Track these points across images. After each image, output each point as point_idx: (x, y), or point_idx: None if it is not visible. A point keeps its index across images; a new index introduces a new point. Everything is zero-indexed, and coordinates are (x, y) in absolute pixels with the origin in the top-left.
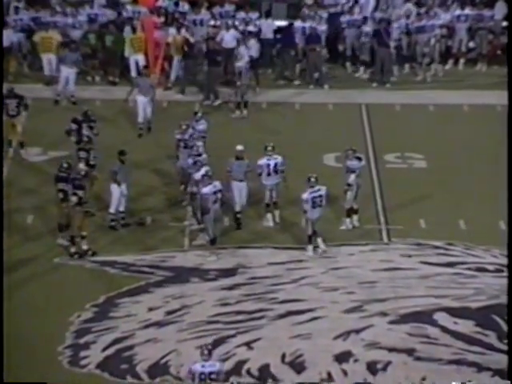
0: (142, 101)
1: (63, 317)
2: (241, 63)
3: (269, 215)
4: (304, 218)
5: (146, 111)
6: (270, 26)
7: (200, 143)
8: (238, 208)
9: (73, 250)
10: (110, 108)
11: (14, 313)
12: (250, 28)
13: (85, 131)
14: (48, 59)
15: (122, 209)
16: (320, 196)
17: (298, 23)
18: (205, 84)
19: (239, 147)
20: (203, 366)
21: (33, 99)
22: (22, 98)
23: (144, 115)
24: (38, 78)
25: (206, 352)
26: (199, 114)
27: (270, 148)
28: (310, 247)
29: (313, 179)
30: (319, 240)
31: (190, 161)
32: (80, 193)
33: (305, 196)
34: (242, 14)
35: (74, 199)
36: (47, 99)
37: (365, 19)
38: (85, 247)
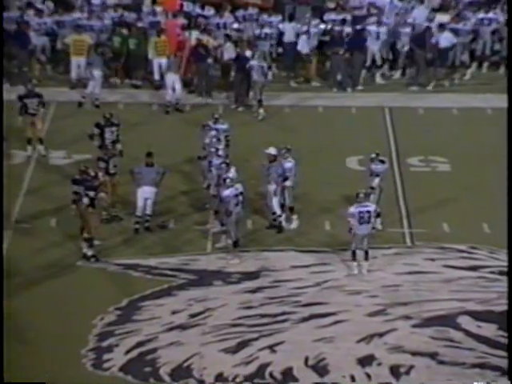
0: (170, 78)
1: (86, 320)
2: (253, 62)
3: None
4: (351, 233)
5: (176, 88)
6: (293, 29)
7: (221, 145)
8: (276, 209)
9: (90, 253)
10: (134, 112)
11: (37, 316)
12: (266, 30)
13: (108, 135)
14: (77, 62)
15: (148, 212)
16: (368, 212)
17: (371, 27)
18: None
19: (272, 151)
20: None
21: (57, 102)
22: (40, 96)
23: (172, 93)
24: (63, 82)
25: None
26: (216, 116)
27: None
28: (355, 264)
29: (361, 195)
30: (366, 263)
31: (217, 162)
32: (91, 194)
33: (351, 210)
34: (264, 18)
35: (85, 200)
36: (71, 102)
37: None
38: (85, 250)
